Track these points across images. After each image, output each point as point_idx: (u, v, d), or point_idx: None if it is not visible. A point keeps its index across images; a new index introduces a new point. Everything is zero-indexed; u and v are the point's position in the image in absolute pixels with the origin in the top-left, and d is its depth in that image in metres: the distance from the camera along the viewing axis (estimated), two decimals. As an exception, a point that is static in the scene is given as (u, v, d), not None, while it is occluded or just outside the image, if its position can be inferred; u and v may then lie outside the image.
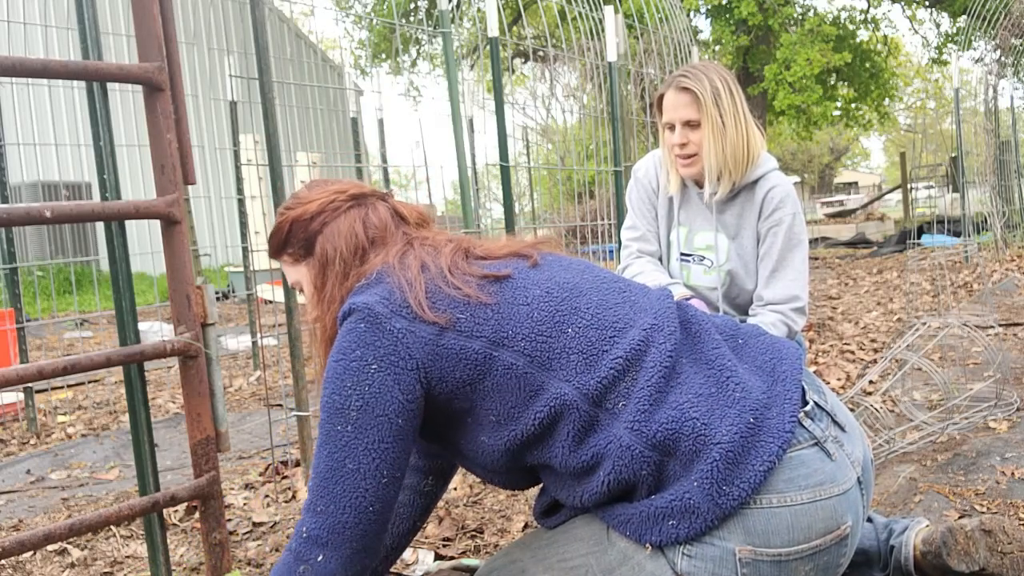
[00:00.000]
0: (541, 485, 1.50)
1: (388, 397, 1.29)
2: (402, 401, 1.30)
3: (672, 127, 2.26)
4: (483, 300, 1.34)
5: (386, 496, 1.31)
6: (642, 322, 1.36)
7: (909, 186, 14.17)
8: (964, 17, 13.09)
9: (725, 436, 1.25)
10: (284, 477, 2.95)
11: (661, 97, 2.29)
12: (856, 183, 47.65)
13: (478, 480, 2.72)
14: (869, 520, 1.76)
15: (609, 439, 1.29)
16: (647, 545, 1.29)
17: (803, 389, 1.36)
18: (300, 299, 2.43)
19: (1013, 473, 2.43)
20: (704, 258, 2.37)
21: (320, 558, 1.29)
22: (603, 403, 1.30)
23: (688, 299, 2.26)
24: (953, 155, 8.61)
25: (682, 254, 2.40)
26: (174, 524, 2.56)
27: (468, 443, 1.40)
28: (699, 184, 2.34)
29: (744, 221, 2.32)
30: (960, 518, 2.03)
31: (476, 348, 1.31)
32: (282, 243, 1.52)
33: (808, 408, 1.33)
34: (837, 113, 16.17)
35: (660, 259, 2.46)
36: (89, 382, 5.41)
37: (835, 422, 1.36)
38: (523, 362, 1.31)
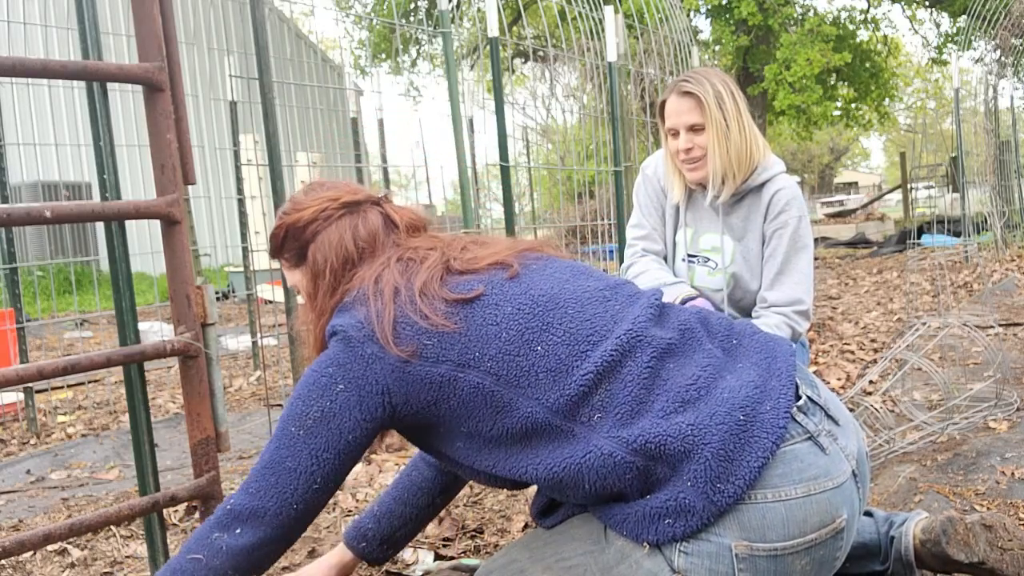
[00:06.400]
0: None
1: (347, 415, 1.35)
2: (359, 420, 1.35)
3: (675, 133, 2.25)
4: (450, 328, 1.36)
5: (312, 500, 1.37)
6: (618, 332, 1.36)
7: (909, 186, 14.18)
8: (964, 17, 13.09)
9: (715, 436, 1.25)
10: (284, 477, 2.94)
11: (663, 104, 2.28)
12: (856, 183, 47.63)
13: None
14: (869, 514, 1.76)
15: (588, 450, 1.29)
16: (644, 543, 1.30)
17: (796, 384, 1.36)
18: (300, 299, 2.44)
19: (1013, 473, 2.43)
20: (709, 260, 2.36)
21: (237, 531, 1.35)
22: (577, 417, 1.31)
23: (693, 299, 2.26)
24: (953, 155, 8.60)
25: (688, 255, 2.40)
26: (174, 524, 2.56)
27: (447, 448, 1.44)
28: (705, 187, 2.33)
29: (750, 223, 2.31)
30: (960, 518, 2.03)
31: (441, 372, 1.34)
32: (279, 247, 1.57)
33: (801, 402, 1.34)
34: (837, 113, 16.17)
35: (665, 258, 2.45)
36: (89, 382, 5.41)
37: (828, 416, 1.37)
38: (490, 381, 1.33)
